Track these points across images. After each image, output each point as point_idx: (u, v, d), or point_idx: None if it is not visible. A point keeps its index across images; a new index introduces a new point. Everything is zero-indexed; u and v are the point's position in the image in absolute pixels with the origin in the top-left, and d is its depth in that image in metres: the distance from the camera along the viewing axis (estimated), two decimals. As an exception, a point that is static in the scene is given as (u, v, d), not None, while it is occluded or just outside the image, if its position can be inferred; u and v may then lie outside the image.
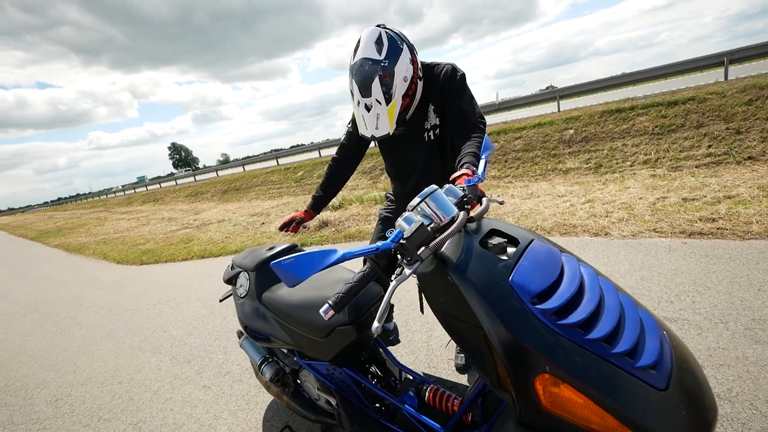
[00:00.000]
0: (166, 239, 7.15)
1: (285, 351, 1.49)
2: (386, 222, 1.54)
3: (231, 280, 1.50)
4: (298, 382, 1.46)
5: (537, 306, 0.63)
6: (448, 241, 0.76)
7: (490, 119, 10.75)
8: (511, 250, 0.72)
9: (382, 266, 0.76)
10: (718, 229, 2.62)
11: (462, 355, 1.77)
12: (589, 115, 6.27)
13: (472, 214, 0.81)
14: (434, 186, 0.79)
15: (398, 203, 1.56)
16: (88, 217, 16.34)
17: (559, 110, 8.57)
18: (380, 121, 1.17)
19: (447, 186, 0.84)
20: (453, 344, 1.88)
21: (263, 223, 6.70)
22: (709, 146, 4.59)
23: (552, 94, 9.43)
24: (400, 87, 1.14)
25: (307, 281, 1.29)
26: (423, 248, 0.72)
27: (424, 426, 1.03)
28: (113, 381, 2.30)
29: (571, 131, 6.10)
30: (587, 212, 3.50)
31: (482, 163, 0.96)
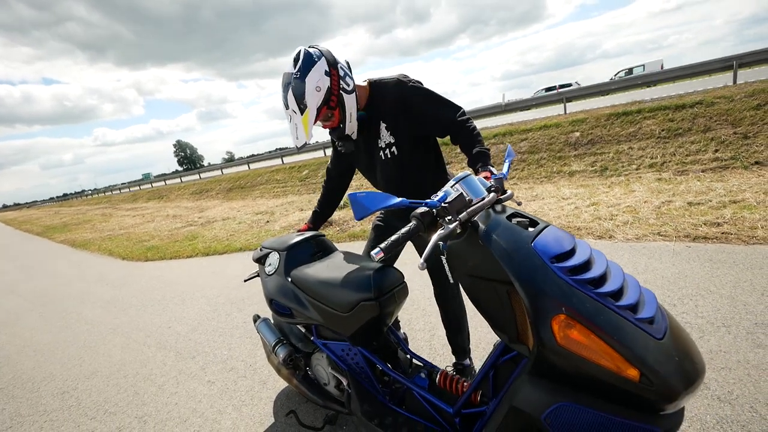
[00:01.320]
0: (171, 236, 7.21)
1: (302, 331, 1.56)
2: (378, 230, 1.55)
3: (260, 260, 1.60)
4: (308, 368, 1.52)
5: (555, 264, 0.74)
6: (478, 215, 0.88)
7: (496, 120, 10.69)
8: (531, 229, 0.84)
9: (426, 224, 0.88)
10: (722, 233, 2.61)
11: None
12: (596, 117, 6.25)
13: (501, 198, 0.95)
14: (467, 171, 0.96)
15: (387, 211, 1.56)
16: (94, 213, 16.52)
17: (565, 112, 8.53)
18: (298, 131, 1.21)
19: (477, 177, 0.99)
20: None
21: (268, 222, 6.75)
22: (716, 151, 4.56)
23: (558, 96, 9.39)
24: (312, 96, 1.17)
25: (333, 263, 1.38)
26: (462, 214, 0.85)
27: (434, 407, 1.07)
28: (119, 375, 2.34)
29: (577, 134, 6.09)
30: (592, 215, 3.49)
31: (506, 164, 1.09)
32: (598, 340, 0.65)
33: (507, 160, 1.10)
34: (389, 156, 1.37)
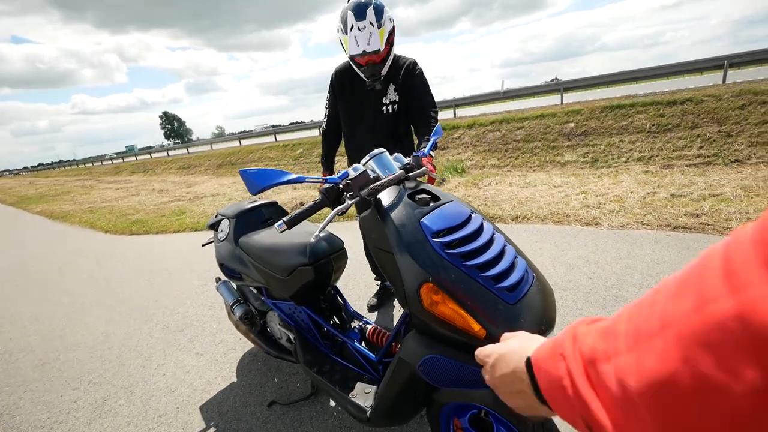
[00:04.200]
0: (157, 211, 7.01)
1: (255, 292, 1.68)
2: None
3: (214, 226, 1.71)
4: (264, 323, 1.69)
5: (435, 239, 0.84)
6: (386, 191, 0.96)
7: (494, 107, 10.69)
8: (432, 204, 0.93)
9: (330, 199, 0.94)
10: (700, 224, 2.72)
11: (374, 298, 2.21)
12: (591, 109, 6.28)
13: (410, 175, 1.03)
14: (383, 149, 1.02)
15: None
16: (73, 184, 15.85)
17: (562, 102, 8.54)
18: (372, 39, 1.39)
19: (396, 155, 1.07)
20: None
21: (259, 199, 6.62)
22: (701, 147, 4.68)
23: (556, 87, 9.37)
24: (387, 23, 1.42)
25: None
26: (363, 190, 0.92)
27: (363, 356, 1.26)
28: (103, 347, 2.31)
29: (572, 124, 6.12)
30: (581, 203, 3.57)
31: (430, 142, 1.20)
32: (455, 305, 0.78)
33: (432, 138, 1.19)
34: (390, 111, 1.70)
